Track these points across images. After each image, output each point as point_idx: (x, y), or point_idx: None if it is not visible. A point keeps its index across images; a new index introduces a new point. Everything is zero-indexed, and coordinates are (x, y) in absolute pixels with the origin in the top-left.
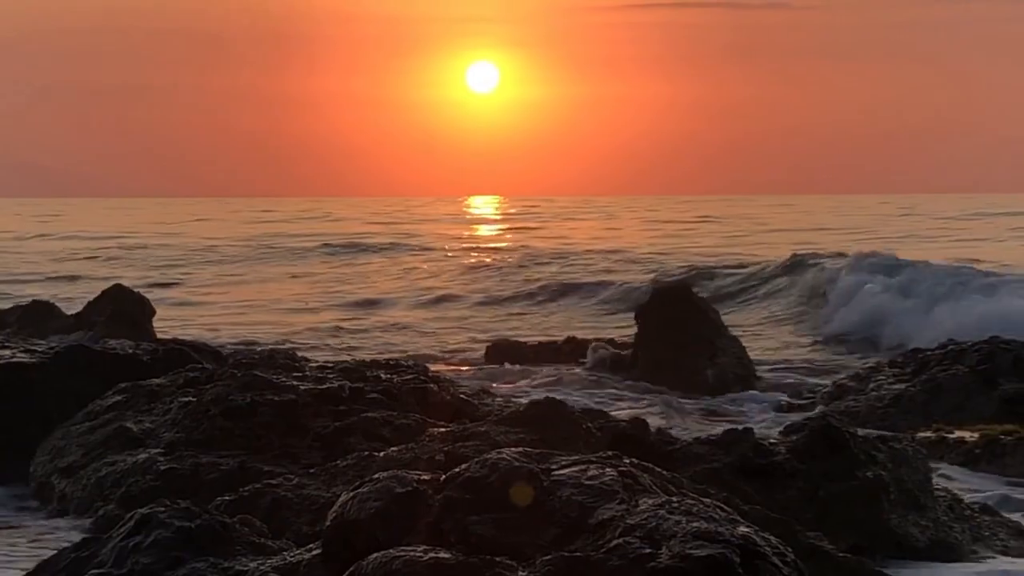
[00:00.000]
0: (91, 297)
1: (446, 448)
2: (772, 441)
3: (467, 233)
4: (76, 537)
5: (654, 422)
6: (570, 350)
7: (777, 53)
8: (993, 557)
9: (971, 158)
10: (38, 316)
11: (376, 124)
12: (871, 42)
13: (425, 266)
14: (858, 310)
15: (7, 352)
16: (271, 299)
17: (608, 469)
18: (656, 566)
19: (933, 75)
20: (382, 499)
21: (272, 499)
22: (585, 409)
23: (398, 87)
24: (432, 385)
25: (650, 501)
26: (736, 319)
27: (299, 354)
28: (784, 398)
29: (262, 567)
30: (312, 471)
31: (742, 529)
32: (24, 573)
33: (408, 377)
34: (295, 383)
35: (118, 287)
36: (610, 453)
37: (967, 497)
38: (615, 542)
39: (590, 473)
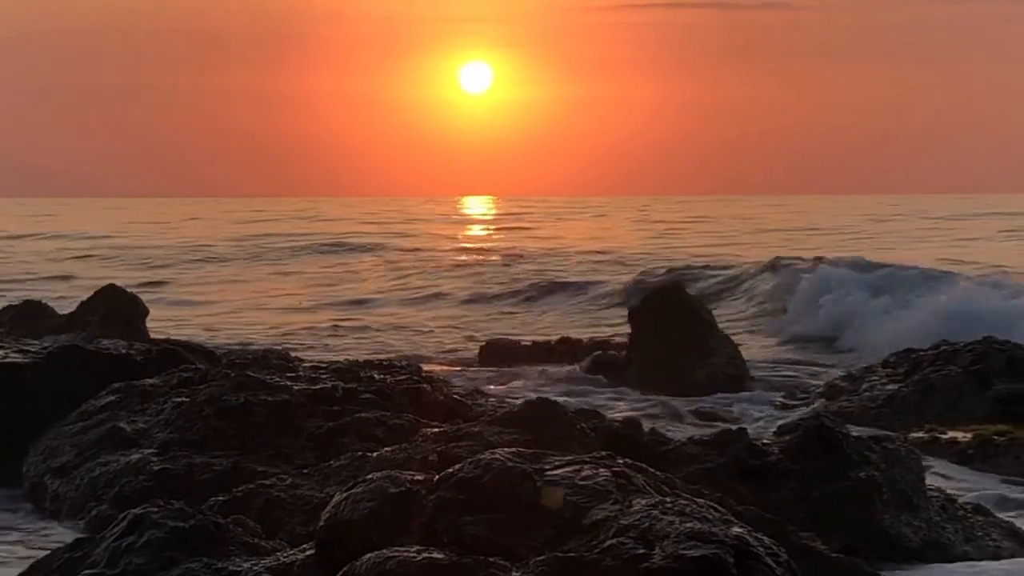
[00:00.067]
0: (84, 297)
1: (439, 448)
2: (765, 441)
3: (458, 233)
4: (69, 537)
5: (648, 423)
6: (564, 350)
7: (773, 53)
8: (985, 559)
9: (968, 158)
10: (31, 316)
11: (370, 124)
12: (867, 42)
13: (417, 266)
14: (819, 313)
15: (0, 352)
16: (264, 299)
17: (602, 470)
18: (649, 566)
19: (930, 75)
20: (376, 499)
21: (266, 499)
22: (579, 409)
23: (392, 87)
24: (425, 385)
25: (644, 501)
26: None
27: (292, 354)
28: (778, 398)
29: (256, 567)
30: (306, 471)
31: (736, 530)
32: (17, 574)
33: (401, 377)
34: (288, 383)
35: (111, 287)
36: (604, 453)
37: (960, 497)
38: (609, 542)
39: (584, 473)
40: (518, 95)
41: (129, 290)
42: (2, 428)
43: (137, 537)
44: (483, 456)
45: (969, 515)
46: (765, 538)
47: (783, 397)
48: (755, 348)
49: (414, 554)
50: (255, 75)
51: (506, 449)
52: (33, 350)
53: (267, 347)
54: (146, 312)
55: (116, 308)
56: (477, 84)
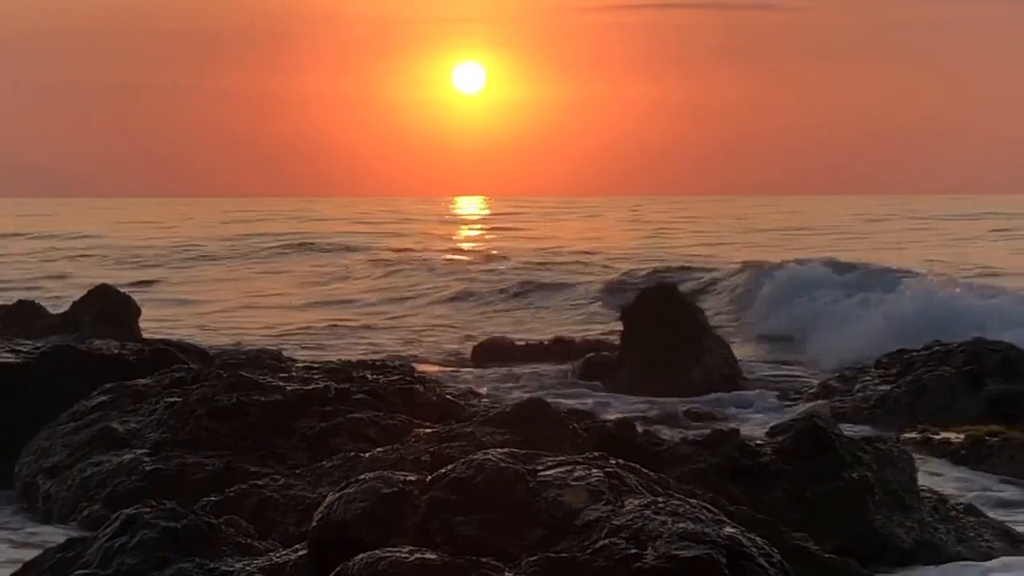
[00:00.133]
0: (76, 296)
1: (432, 449)
2: (758, 442)
3: (449, 233)
4: (61, 538)
5: (641, 423)
6: (558, 350)
7: (767, 54)
8: (977, 560)
9: (963, 159)
10: (23, 316)
11: (363, 124)
12: (862, 43)
13: (409, 266)
14: (781, 314)
15: None
16: (256, 299)
17: (594, 470)
18: (642, 567)
19: (925, 76)
20: (368, 500)
21: (258, 500)
22: (571, 410)
23: (385, 87)
24: (418, 386)
25: (636, 502)
26: None
27: (285, 354)
28: (771, 398)
29: (248, 568)
30: (298, 472)
31: (728, 530)
32: (9, 574)
33: (394, 378)
34: (281, 383)
35: (104, 287)
36: (596, 454)
37: (953, 498)
38: (601, 543)
39: (576, 474)
40: (511, 95)
41: (121, 290)
42: None
43: (129, 537)
44: (476, 456)
45: (961, 516)
46: (758, 538)
47: (777, 397)
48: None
49: (407, 554)
50: (251, 75)
51: (499, 450)
52: (25, 350)
53: (260, 347)
54: (138, 312)
55: (109, 308)
56: (470, 84)
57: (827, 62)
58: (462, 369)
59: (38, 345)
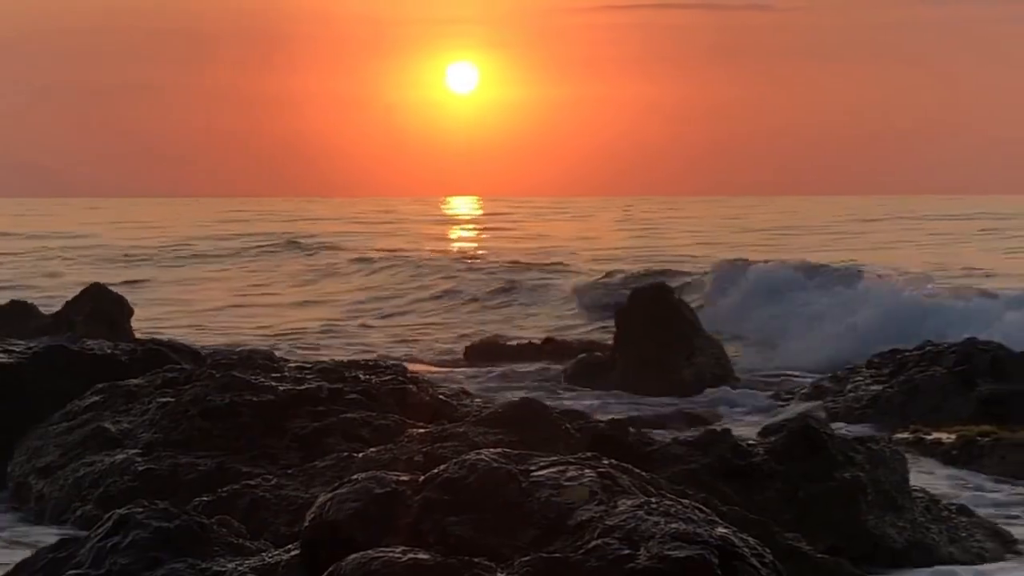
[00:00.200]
0: (69, 296)
1: (425, 449)
2: (750, 442)
3: (441, 233)
4: (53, 538)
5: (633, 423)
6: (550, 351)
7: (761, 54)
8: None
9: (958, 159)
10: (16, 316)
11: (356, 124)
12: (855, 43)
13: (400, 266)
14: (742, 314)
15: None
16: (248, 299)
17: (587, 470)
18: (634, 567)
19: (918, 76)
20: (361, 500)
21: (250, 500)
22: (564, 410)
23: (378, 87)
24: (411, 386)
25: (629, 502)
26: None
27: (277, 354)
28: (763, 398)
29: (240, 568)
30: (291, 472)
31: (720, 530)
32: (1, 574)
33: (387, 378)
34: (274, 384)
35: (96, 286)
36: (589, 454)
37: (944, 498)
38: (594, 543)
39: (569, 474)
40: (504, 95)
41: (114, 290)
42: None
43: (122, 537)
44: (468, 457)
45: (953, 516)
46: (750, 539)
47: (769, 397)
48: None
49: (399, 555)
50: (247, 75)
51: (491, 450)
52: (18, 350)
53: (252, 347)
54: (131, 312)
55: (101, 308)
56: (463, 84)
57: (820, 62)
58: (455, 369)
59: (31, 345)
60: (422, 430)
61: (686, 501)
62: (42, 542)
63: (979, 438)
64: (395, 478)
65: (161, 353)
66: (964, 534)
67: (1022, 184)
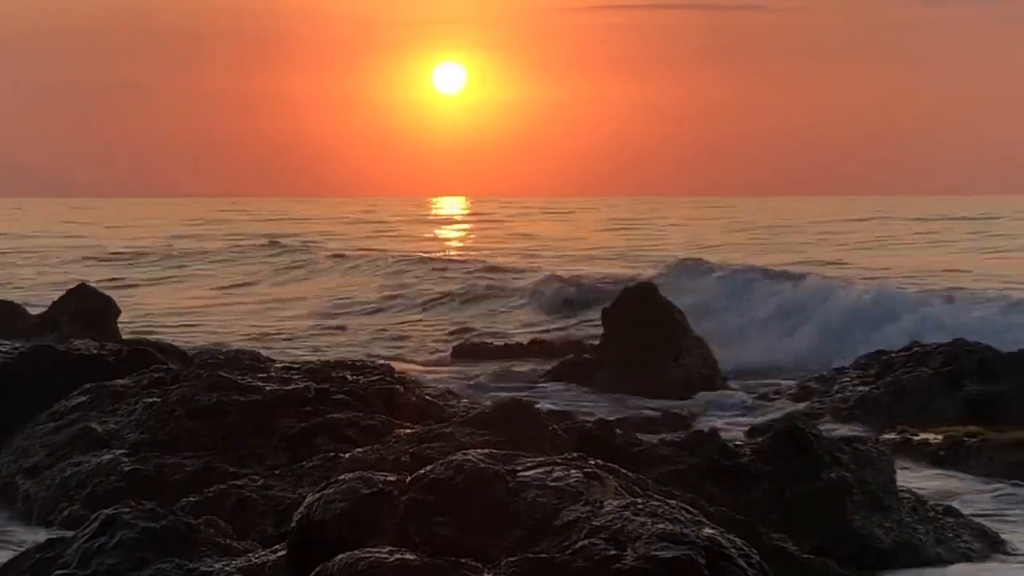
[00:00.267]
0: (55, 296)
1: (412, 449)
2: (737, 443)
3: (425, 234)
4: (41, 538)
5: (620, 424)
6: (537, 351)
7: (753, 55)
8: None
9: (953, 160)
10: (2, 316)
11: (345, 124)
12: (848, 44)
13: (387, 266)
14: None
15: None
16: (236, 300)
17: (573, 471)
18: (621, 568)
19: (913, 77)
20: (348, 500)
21: (237, 500)
22: (551, 410)
23: (366, 88)
24: (398, 386)
25: (615, 503)
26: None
27: (263, 354)
28: (749, 399)
29: (227, 568)
30: (278, 472)
31: (707, 531)
32: None
33: (374, 378)
34: (260, 384)
35: (83, 286)
36: (576, 455)
37: (931, 499)
38: (580, 544)
39: (555, 474)
40: (492, 96)
41: (100, 290)
42: None
43: (109, 538)
44: (455, 457)
45: (940, 516)
46: (737, 539)
47: (756, 399)
48: None
49: (386, 555)
50: (240, 76)
51: (478, 450)
52: (4, 350)
53: (238, 347)
54: (118, 312)
55: (87, 308)
56: (451, 85)
57: (813, 63)
58: (441, 369)
59: (17, 345)
60: (409, 430)
61: (673, 502)
62: (29, 542)
63: (966, 439)
64: (382, 479)
65: (148, 353)
66: (951, 535)
67: (1017, 184)
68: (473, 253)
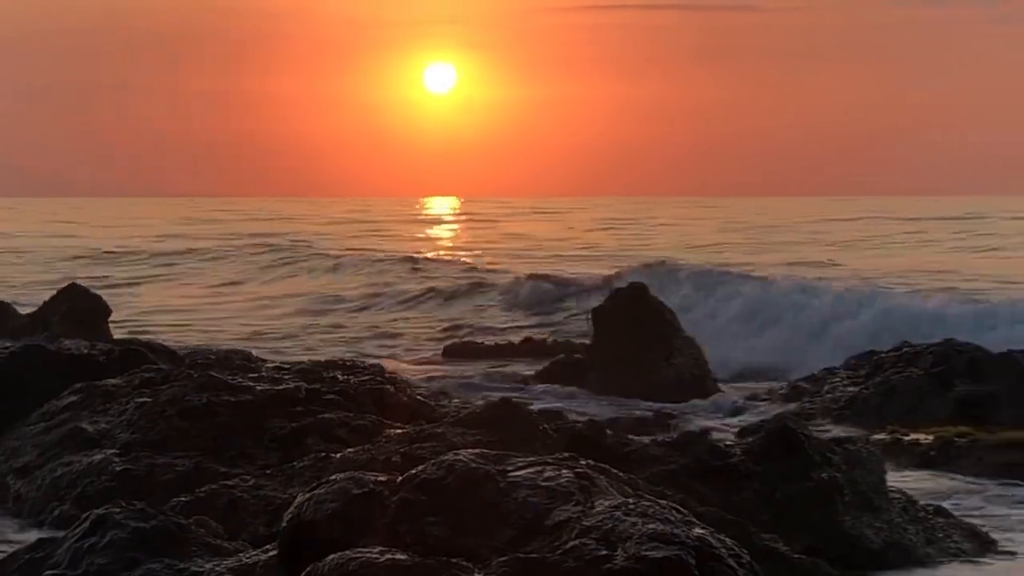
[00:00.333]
0: (46, 296)
1: (403, 449)
2: (728, 443)
3: (414, 233)
4: (31, 538)
5: (610, 424)
6: (528, 350)
7: (742, 55)
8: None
9: (944, 161)
10: None
11: (335, 124)
12: (838, 44)
13: (374, 266)
14: None
15: None
16: (227, 301)
17: (564, 471)
18: (612, 568)
19: (905, 77)
20: (339, 500)
21: (228, 500)
22: (542, 411)
23: (356, 88)
24: (389, 386)
25: (606, 503)
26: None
27: (255, 355)
28: (741, 399)
29: (218, 568)
30: (269, 472)
31: (698, 531)
32: None
33: (365, 378)
34: (251, 384)
35: (74, 286)
36: (566, 455)
37: (921, 499)
38: (571, 543)
39: (546, 474)
40: (483, 95)
41: (92, 289)
42: None
43: (99, 538)
44: (446, 457)
45: (930, 517)
46: (727, 539)
47: (747, 399)
48: None
49: (377, 555)
50: (236, 77)
51: (469, 450)
52: None
53: (230, 347)
54: (108, 312)
55: (78, 307)
56: (441, 84)
57: (803, 63)
58: (432, 368)
59: (7, 345)
60: (400, 431)
61: (663, 502)
62: (19, 542)
63: (956, 439)
64: (373, 479)
65: (139, 353)
66: (941, 535)
67: (1008, 185)
68: (461, 253)
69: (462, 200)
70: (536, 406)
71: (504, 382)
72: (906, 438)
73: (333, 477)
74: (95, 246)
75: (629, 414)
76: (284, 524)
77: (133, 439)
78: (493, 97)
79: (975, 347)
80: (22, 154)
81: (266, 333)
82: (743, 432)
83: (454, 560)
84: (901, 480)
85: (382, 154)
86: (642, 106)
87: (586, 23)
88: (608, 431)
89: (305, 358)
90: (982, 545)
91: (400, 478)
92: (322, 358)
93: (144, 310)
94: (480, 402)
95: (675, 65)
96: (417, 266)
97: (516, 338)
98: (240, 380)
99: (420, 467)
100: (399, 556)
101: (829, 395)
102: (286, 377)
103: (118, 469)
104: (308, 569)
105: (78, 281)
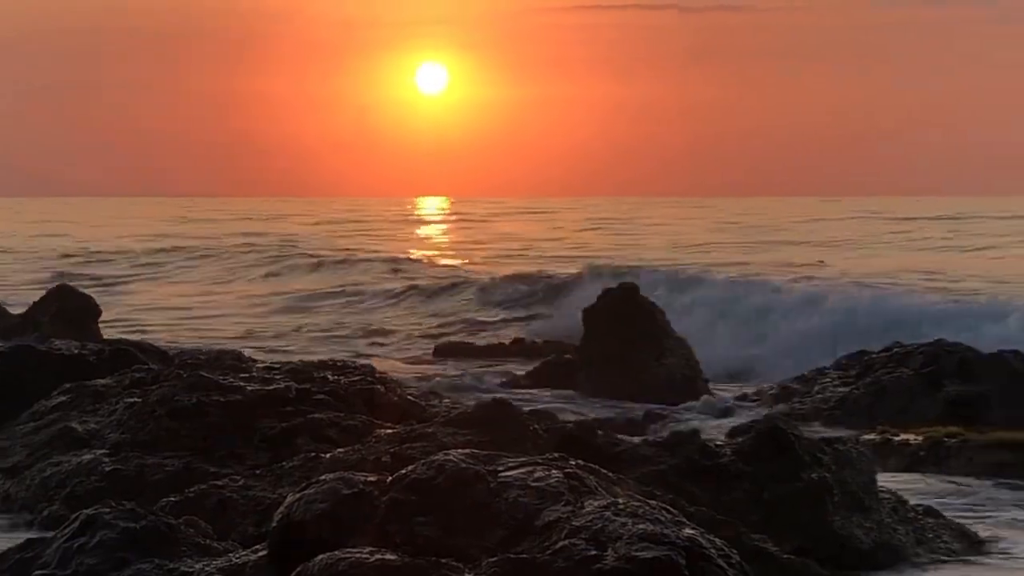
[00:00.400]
0: (35, 297)
1: (393, 449)
2: (718, 443)
3: (405, 233)
4: (20, 538)
5: (600, 424)
6: (518, 351)
7: (735, 56)
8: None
9: (937, 161)
10: None
11: (327, 125)
12: (831, 44)
13: (363, 267)
14: (566, 316)
15: None
16: (218, 301)
17: (554, 471)
18: (602, 568)
19: (896, 78)
20: (328, 500)
21: (218, 500)
22: (532, 411)
23: (348, 88)
24: (379, 386)
25: (596, 503)
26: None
27: (245, 355)
28: (731, 400)
29: (207, 568)
30: (258, 472)
31: (687, 531)
32: None
33: (355, 378)
34: (242, 384)
35: (64, 286)
36: (557, 455)
37: (911, 499)
38: (561, 544)
39: (536, 475)
40: (475, 96)
41: (82, 289)
42: None
43: (89, 538)
44: (436, 457)
45: (920, 517)
46: (717, 539)
47: (736, 399)
48: None
49: (367, 555)
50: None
51: (459, 450)
52: None
53: (220, 347)
54: (99, 312)
55: (68, 308)
56: (433, 85)
57: (796, 63)
58: (423, 368)
59: None
60: (390, 431)
61: (653, 502)
62: (8, 542)
63: (946, 439)
64: (363, 479)
65: (129, 353)
66: (931, 535)
67: (1008, 185)
68: (449, 252)
69: (454, 200)
70: (527, 407)
71: (494, 381)
72: (896, 438)
73: (323, 477)
74: (86, 245)
75: (619, 414)
76: (274, 524)
77: (123, 439)
78: (485, 97)
79: (965, 347)
80: (21, 154)
81: (257, 331)
82: (733, 432)
83: (444, 560)
84: (891, 480)
85: (375, 154)
86: (634, 106)
87: (578, 23)
88: (598, 431)
89: (296, 358)
90: (972, 545)
91: (390, 478)
92: (313, 358)
93: (135, 309)
94: (471, 402)
95: (668, 65)
96: (398, 265)
97: (487, 334)
98: (230, 380)
99: (410, 467)
100: (389, 556)
101: (819, 395)
102: (276, 377)
103: (108, 469)
104: (298, 569)
105: (69, 280)
